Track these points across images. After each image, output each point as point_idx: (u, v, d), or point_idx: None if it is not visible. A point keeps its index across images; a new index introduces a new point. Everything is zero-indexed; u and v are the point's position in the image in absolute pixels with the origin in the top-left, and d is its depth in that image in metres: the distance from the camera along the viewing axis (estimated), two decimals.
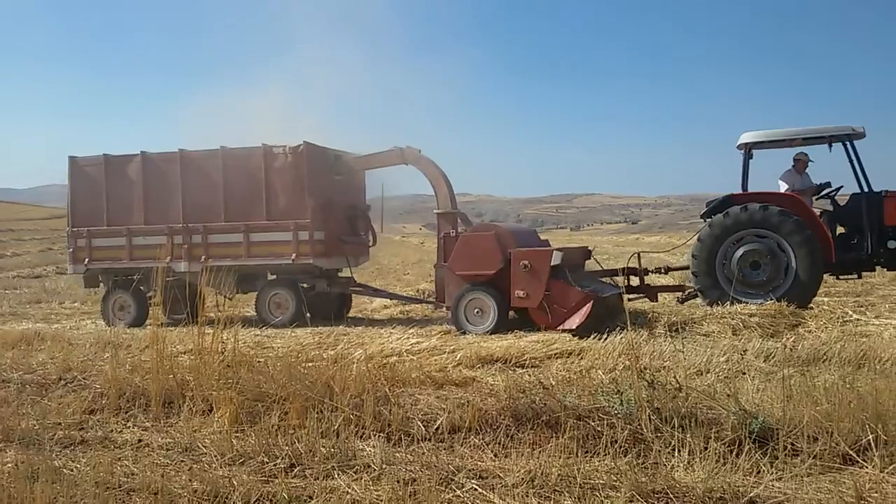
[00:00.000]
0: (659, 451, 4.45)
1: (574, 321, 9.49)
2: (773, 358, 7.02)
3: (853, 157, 10.77)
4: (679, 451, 4.39)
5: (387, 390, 5.65)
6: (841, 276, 11.28)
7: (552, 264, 9.94)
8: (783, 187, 11.26)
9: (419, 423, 5.21)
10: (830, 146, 10.99)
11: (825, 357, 6.91)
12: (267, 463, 4.62)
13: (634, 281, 11.46)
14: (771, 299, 10.04)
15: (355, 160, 13.28)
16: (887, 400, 4.52)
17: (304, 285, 12.79)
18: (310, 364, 6.39)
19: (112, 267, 13.19)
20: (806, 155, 11.43)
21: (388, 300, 14.30)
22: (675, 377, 5.34)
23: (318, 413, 5.23)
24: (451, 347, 8.47)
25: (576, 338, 8.86)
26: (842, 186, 11.16)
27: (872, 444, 4.23)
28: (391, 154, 12.75)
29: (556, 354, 8.09)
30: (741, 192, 11.09)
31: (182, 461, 4.83)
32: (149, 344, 7.07)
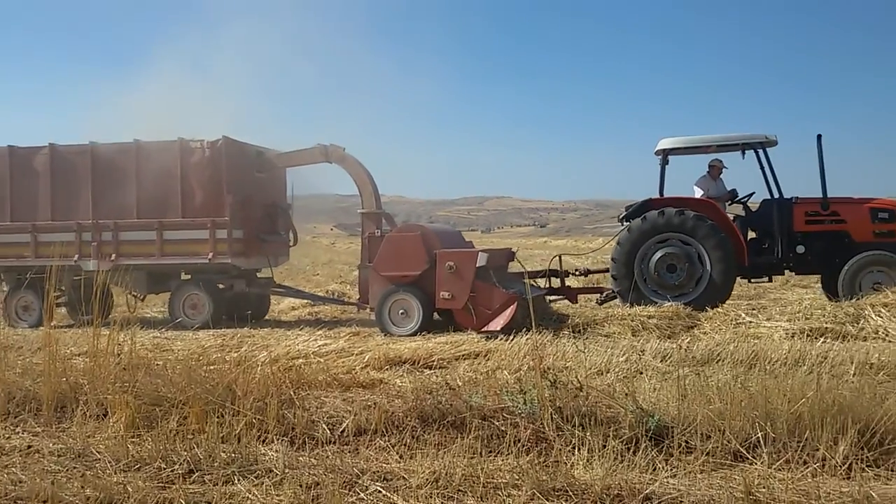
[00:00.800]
0: (560, 449, 4.55)
1: (498, 322, 9.56)
2: (669, 358, 7.24)
3: (765, 165, 11.26)
4: (579, 449, 4.49)
5: (291, 393, 5.57)
6: (753, 280, 11.84)
7: (478, 265, 9.98)
8: (698, 193, 11.70)
9: (324, 426, 5.16)
10: (744, 153, 11.45)
11: (719, 357, 7.18)
12: (164, 469, 4.49)
13: (556, 282, 11.73)
14: (684, 302, 10.44)
15: (277, 157, 12.92)
16: (776, 399, 4.71)
17: (221, 286, 12.43)
18: (211, 367, 6.22)
19: (15, 265, 12.48)
20: (720, 161, 11.89)
21: (297, 300, 14.09)
22: (576, 377, 5.46)
23: (219, 417, 5.12)
24: (360, 349, 8.41)
25: (483, 339, 8.95)
26: (753, 192, 11.67)
27: (762, 442, 4.40)
28: (314, 152, 12.41)
29: (463, 356, 8.15)
30: (658, 196, 11.45)
31: (74, 468, 4.64)
32: (41, 346, 6.76)
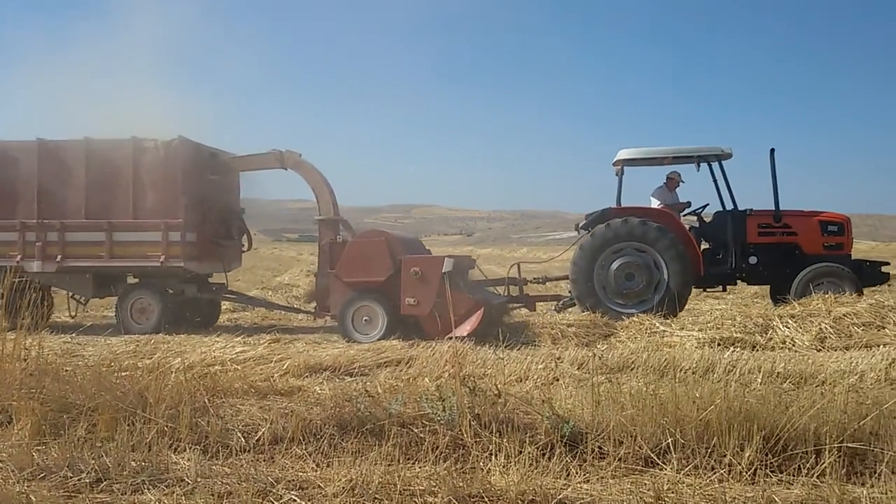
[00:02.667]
0: (477, 455, 4.56)
1: (465, 329, 9.53)
2: (585, 366, 7.39)
3: (719, 177, 11.56)
4: (496, 455, 4.52)
5: (206, 401, 5.46)
6: (707, 289, 12.12)
7: (443, 271, 9.93)
8: (655, 203, 11.94)
9: (239, 434, 5.06)
10: (699, 166, 11.71)
11: (633, 365, 7.37)
12: (71, 477, 4.33)
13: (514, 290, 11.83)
14: (642, 310, 10.66)
15: (232, 160, 12.62)
16: (686, 406, 4.82)
17: (171, 290, 12.03)
18: (123, 373, 6.04)
19: None
20: (678, 174, 12.15)
21: None
22: (495, 384, 5.51)
23: (129, 425, 4.96)
24: (279, 356, 8.27)
25: (406, 346, 8.94)
26: (707, 204, 11.96)
27: (671, 448, 4.51)
28: (270, 157, 12.14)
29: (385, 363, 8.14)
30: (616, 206, 11.62)
31: None
32: None
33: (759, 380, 6.48)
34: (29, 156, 11.80)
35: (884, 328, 9.23)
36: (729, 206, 11.64)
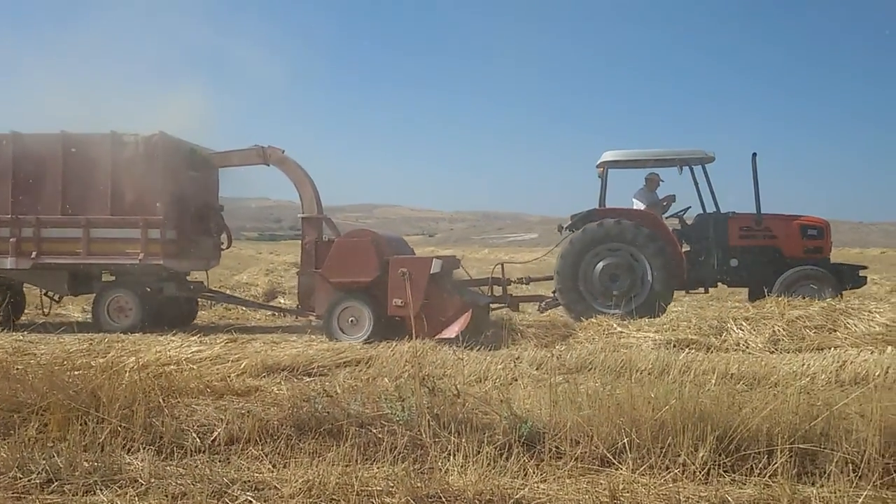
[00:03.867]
0: (436, 456, 4.56)
1: (453, 330, 9.49)
2: (544, 366, 7.42)
3: (699, 180, 11.65)
4: (454, 455, 4.51)
5: (160, 400, 5.37)
6: (690, 291, 12.20)
7: (431, 272, 9.86)
8: (638, 205, 12.00)
9: (194, 434, 4.99)
10: (681, 169, 11.76)
11: (590, 366, 7.44)
12: (21, 478, 4.24)
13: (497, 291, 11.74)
14: (626, 311, 10.67)
15: (212, 156, 12.39)
16: (641, 406, 4.86)
17: (149, 289, 11.75)
18: (76, 372, 5.92)
19: None
20: (658, 175, 12.21)
21: None
22: (455, 384, 5.52)
23: (82, 425, 4.87)
24: (236, 356, 8.17)
25: (365, 346, 8.91)
26: (689, 207, 12.04)
27: (627, 447, 4.54)
28: (251, 152, 11.93)
29: (344, 363, 8.10)
30: (599, 207, 11.67)
31: None
32: None
33: (714, 381, 6.54)
34: (3, 149, 11.47)
35: (835, 331, 9.40)
36: (711, 209, 11.77)
